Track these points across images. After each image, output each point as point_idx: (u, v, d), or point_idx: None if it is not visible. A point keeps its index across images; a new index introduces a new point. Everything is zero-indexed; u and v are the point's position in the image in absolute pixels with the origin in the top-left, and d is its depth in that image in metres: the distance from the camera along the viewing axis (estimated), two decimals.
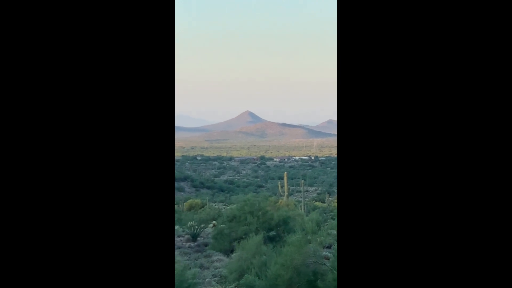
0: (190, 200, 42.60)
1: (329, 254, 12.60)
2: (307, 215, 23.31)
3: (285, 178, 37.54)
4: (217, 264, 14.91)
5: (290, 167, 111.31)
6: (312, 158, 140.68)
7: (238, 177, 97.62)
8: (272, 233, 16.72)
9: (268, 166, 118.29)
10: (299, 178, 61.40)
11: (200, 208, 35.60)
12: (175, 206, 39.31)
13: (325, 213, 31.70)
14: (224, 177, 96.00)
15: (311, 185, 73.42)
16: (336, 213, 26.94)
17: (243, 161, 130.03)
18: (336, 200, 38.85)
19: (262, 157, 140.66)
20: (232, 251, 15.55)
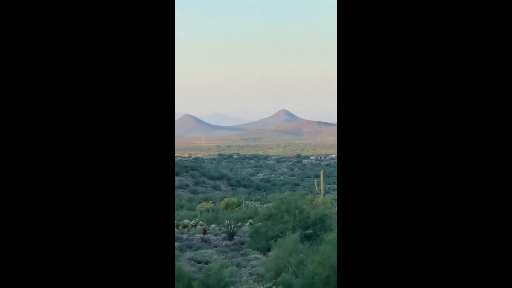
0: (227, 198, 42.70)
1: None
2: None
3: (321, 176, 37.43)
4: (254, 262, 14.90)
5: (327, 165, 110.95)
6: None
7: (275, 176, 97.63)
8: (309, 231, 16.67)
9: (304, 165, 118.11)
10: (335, 176, 61.18)
11: (237, 207, 35.65)
12: (211, 204, 39.44)
13: None
14: (260, 176, 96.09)
15: None
16: None
17: (279, 160, 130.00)
18: None
19: (298, 156, 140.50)
20: (268, 250, 15.52)
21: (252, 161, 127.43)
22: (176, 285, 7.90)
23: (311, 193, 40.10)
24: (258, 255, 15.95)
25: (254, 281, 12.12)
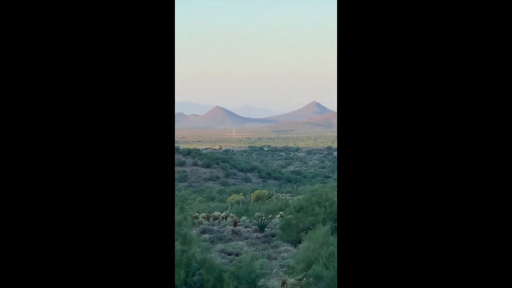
0: (257, 190, 42.74)
1: None
2: None
3: None
4: (285, 254, 14.90)
5: None
6: None
7: (305, 168, 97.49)
8: None
9: (335, 157, 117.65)
10: None
11: (267, 199, 35.67)
12: (242, 196, 39.51)
13: None
14: (291, 168, 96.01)
15: None
16: None
17: (310, 152, 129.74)
18: None
19: (329, 148, 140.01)
20: (299, 242, 15.51)
21: (283, 153, 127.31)
22: (206, 277, 7.93)
23: None
24: (289, 247, 15.94)
25: (284, 273, 12.12)
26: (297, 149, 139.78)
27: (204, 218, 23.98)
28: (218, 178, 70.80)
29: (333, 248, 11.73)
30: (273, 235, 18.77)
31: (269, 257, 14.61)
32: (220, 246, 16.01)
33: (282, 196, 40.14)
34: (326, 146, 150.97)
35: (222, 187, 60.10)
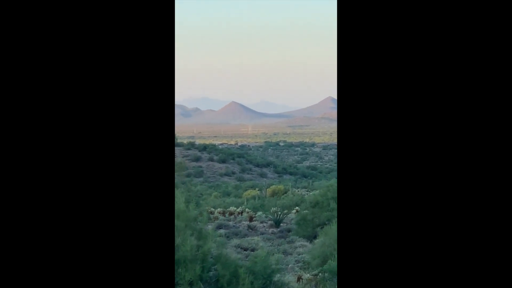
0: (273, 186, 42.76)
1: None
2: None
3: None
4: (300, 250, 14.90)
5: None
6: None
7: (321, 163, 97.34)
8: None
9: None
10: None
11: (283, 194, 35.69)
12: (258, 192, 39.53)
13: None
14: (306, 163, 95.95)
15: None
16: None
17: (326, 147, 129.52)
18: None
19: None
20: (315, 237, 15.49)
21: (299, 148, 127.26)
22: (222, 272, 7.93)
23: None
24: (305, 243, 15.94)
25: (300, 269, 12.11)
26: (313, 144, 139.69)
27: (219, 213, 24.03)
28: (234, 173, 70.89)
29: None
30: (289, 230, 18.77)
31: (284, 253, 14.61)
32: (235, 241, 16.04)
33: (298, 191, 40.14)
34: None
35: (238, 183, 60.18)
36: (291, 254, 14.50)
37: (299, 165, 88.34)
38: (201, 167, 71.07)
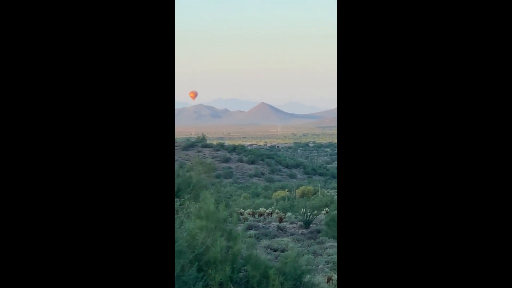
0: (303, 187, 42.69)
1: None
2: None
3: None
4: (330, 250, 14.85)
5: None
6: None
7: None
8: None
9: None
10: None
11: (313, 195, 35.60)
12: (287, 193, 39.48)
13: None
14: (336, 164, 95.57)
15: None
16: None
17: None
18: None
19: None
20: None
21: (328, 149, 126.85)
22: (252, 273, 7.93)
23: None
24: (334, 243, 15.88)
25: (330, 269, 12.07)
26: None
27: (249, 214, 24.05)
28: (263, 174, 70.90)
29: None
30: (319, 231, 18.72)
31: (314, 253, 14.58)
32: (265, 242, 16.03)
33: (328, 192, 40.03)
34: None
35: (267, 183, 60.18)
36: (321, 255, 14.47)
37: (328, 166, 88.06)
38: (230, 168, 71.20)
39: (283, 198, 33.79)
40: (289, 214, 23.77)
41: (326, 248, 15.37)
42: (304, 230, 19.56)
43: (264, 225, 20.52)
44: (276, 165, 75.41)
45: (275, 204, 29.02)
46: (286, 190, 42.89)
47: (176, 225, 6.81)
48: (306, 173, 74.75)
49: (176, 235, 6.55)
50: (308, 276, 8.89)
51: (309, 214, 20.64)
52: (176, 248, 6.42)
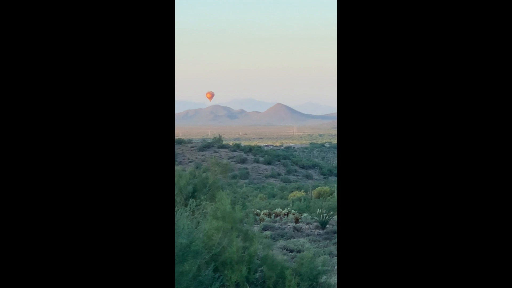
0: (319, 187, 42.60)
1: None
2: None
3: None
4: None
5: None
6: None
7: None
8: None
9: None
10: None
11: (329, 196, 35.52)
12: (303, 193, 39.43)
13: None
14: None
15: None
16: None
17: None
18: None
19: None
20: None
21: None
22: (268, 273, 7.94)
23: None
24: None
25: None
26: None
27: (265, 215, 24.03)
28: (279, 175, 70.84)
29: None
30: (335, 232, 18.67)
31: (330, 254, 14.54)
32: (281, 243, 16.02)
33: None
34: None
35: (284, 184, 60.11)
36: (337, 255, 14.42)
37: None
38: (246, 168, 71.18)
39: (299, 199, 33.73)
40: (305, 214, 23.72)
41: None
42: (320, 231, 19.53)
43: (280, 226, 20.51)
44: (292, 165, 75.31)
45: (291, 204, 28.98)
46: (302, 190, 42.82)
47: (193, 226, 6.83)
48: (322, 173, 74.58)
49: (192, 236, 6.56)
50: (324, 276, 8.88)
51: (325, 214, 20.59)
52: (192, 248, 6.43)
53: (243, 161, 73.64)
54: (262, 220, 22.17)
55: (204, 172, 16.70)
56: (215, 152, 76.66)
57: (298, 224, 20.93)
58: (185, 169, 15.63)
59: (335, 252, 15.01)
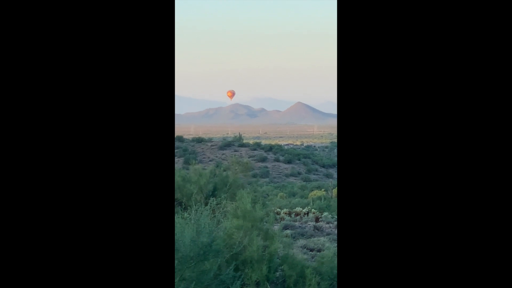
0: None
1: None
2: None
3: None
4: None
5: None
6: None
7: None
8: None
9: None
10: None
11: None
12: (324, 192, 39.32)
13: None
14: None
15: None
16: None
17: None
18: None
19: None
20: None
21: None
22: (289, 272, 7.95)
23: None
24: None
25: None
26: None
27: (286, 214, 24.02)
28: (299, 173, 70.73)
29: None
30: None
31: None
32: (302, 242, 16.00)
33: None
34: None
35: (304, 183, 59.99)
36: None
37: None
38: (267, 167, 71.15)
39: (319, 198, 33.64)
40: (325, 213, 23.66)
41: None
42: None
43: (300, 225, 20.49)
44: (312, 164, 75.16)
45: (311, 203, 28.91)
46: (323, 189, 42.71)
47: (213, 224, 6.85)
48: None
49: (213, 234, 6.59)
50: None
51: None
52: (213, 247, 6.46)
53: (263, 159, 73.61)
54: (282, 219, 22.15)
55: (224, 170, 16.72)
56: (236, 150, 76.72)
57: (318, 223, 20.89)
58: (206, 167, 15.65)
59: None
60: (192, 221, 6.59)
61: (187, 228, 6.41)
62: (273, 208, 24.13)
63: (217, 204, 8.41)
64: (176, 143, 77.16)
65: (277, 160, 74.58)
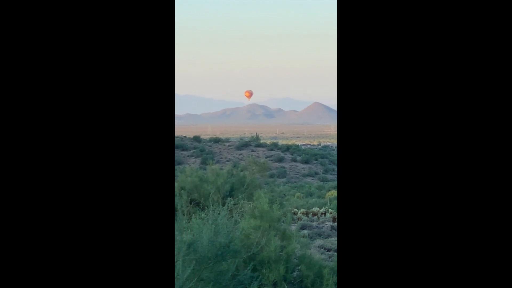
0: None
1: None
2: None
3: None
4: None
5: None
6: None
7: None
8: None
9: None
10: None
11: None
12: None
13: None
14: None
15: None
16: None
17: None
18: None
19: None
20: None
21: None
22: (306, 272, 7.95)
23: None
24: None
25: None
26: None
27: (303, 214, 24.02)
28: (316, 174, 70.67)
29: None
30: None
31: None
32: (319, 242, 16.00)
33: None
34: None
35: (321, 183, 59.94)
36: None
37: None
38: (284, 167, 71.16)
39: (336, 198, 33.57)
40: None
41: None
42: None
43: (317, 225, 20.48)
44: (329, 164, 75.05)
45: (328, 203, 28.88)
46: None
47: (231, 225, 6.87)
48: None
49: (230, 235, 6.61)
50: None
51: None
52: (230, 248, 6.47)
53: (280, 160, 73.64)
54: (299, 219, 22.16)
55: (241, 171, 16.74)
56: (253, 151, 76.79)
57: (335, 223, 20.86)
58: (223, 168, 15.68)
59: None
60: (210, 222, 6.61)
61: (205, 228, 6.43)
62: (290, 208, 24.13)
63: (234, 204, 8.44)
64: (193, 143, 77.28)
65: (294, 160, 74.57)
